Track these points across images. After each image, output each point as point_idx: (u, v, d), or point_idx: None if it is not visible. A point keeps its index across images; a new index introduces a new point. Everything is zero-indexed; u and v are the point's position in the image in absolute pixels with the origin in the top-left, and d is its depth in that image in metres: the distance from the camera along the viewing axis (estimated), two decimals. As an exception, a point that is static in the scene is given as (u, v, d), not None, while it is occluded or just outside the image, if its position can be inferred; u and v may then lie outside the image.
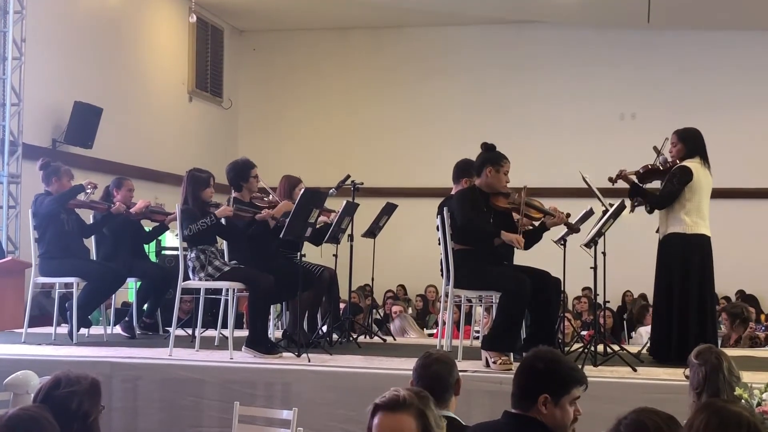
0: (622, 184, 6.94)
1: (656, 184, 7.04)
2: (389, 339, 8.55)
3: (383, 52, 15.96)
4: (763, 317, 12.50)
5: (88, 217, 8.26)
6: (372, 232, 8.36)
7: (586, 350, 6.39)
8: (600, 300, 7.00)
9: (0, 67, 10.40)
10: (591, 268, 6.53)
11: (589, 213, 7.10)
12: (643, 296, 12.66)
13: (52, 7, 11.41)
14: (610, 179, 6.90)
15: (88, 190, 7.73)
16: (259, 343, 6.68)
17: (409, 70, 15.79)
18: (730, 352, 7.50)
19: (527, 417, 3.23)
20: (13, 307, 8.78)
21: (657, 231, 6.94)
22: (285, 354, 6.69)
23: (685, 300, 6.62)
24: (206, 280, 6.84)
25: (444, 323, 7.10)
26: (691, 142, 6.83)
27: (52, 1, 11.39)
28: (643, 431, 2.73)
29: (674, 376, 6.01)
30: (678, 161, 6.81)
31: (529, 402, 3.24)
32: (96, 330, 8.27)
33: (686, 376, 4.26)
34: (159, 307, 8.41)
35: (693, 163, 6.75)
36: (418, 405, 2.69)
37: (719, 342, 7.52)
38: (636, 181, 6.92)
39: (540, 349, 3.40)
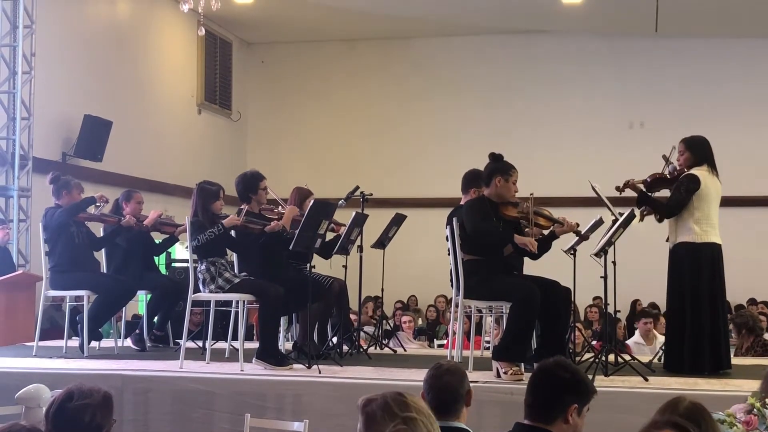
0: (631, 192, 6.92)
1: (664, 193, 7.03)
2: (399, 350, 8.55)
3: (390, 63, 15.99)
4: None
5: (98, 230, 8.28)
6: (381, 243, 8.37)
7: (597, 360, 6.37)
8: (611, 309, 6.98)
9: (10, 81, 10.46)
10: (601, 277, 6.52)
11: (599, 222, 7.08)
12: (653, 305, 12.62)
13: (62, 21, 11.48)
14: (618, 188, 6.88)
15: (99, 205, 7.75)
16: (269, 354, 6.68)
17: (417, 80, 15.82)
18: (742, 360, 7.53)
19: (539, 429, 3.21)
20: (24, 320, 8.80)
21: (667, 240, 6.92)
22: (295, 366, 6.69)
23: (698, 309, 6.58)
24: (216, 292, 6.85)
25: (454, 334, 7.09)
26: (698, 150, 6.80)
27: (61, 16, 11.46)
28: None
29: (686, 385, 5.99)
30: (686, 169, 6.79)
31: (557, 412, 3.20)
32: (107, 343, 8.28)
33: None
34: (169, 319, 8.42)
35: (700, 171, 6.72)
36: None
37: (732, 351, 7.48)
38: (644, 190, 6.90)
39: (559, 359, 3.37)
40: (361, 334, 8.47)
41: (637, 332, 9.74)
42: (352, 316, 8.99)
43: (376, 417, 2.63)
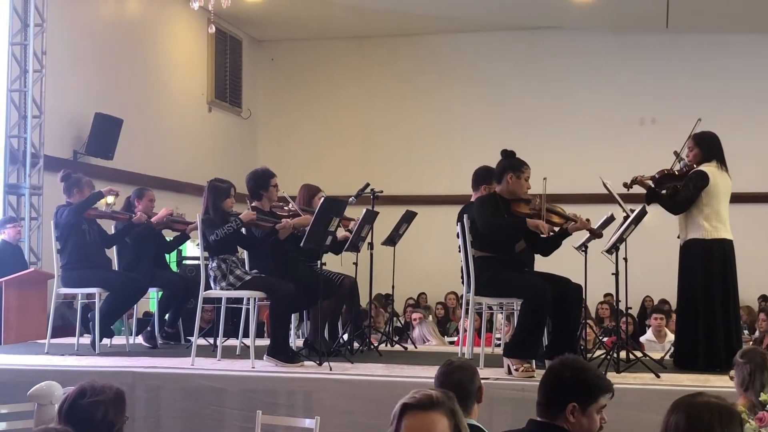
0: (640, 188, 6.90)
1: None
2: (410, 347, 8.55)
3: (400, 60, 15.98)
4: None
5: (109, 227, 8.30)
6: (392, 240, 8.37)
7: (608, 357, 6.36)
8: (622, 306, 6.96)
9: (21, 79, 10.49)
10: (612, 274, 6.51)
11: (610, 219, 7.07)
12: (663, 302, 12.58)
13: (73, 19, 11.51)
14: (625, 185, 6.87)
15: (110, 201, 7.76)
16: (280, 351, 6.69)
17: (427, 77, 15.81)
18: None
19: (553, 426, 3.21)
20: (36, 318, 8.83)
21: (678, 237, 6.90)
22: (306, 362, 6.69)
23: (710, 306, 6.56)
24: (227, 289, 6.85)
25: (465, 331, 7.08)
26: (707, 147, 6.78)
27: (72, 14, 11.49)
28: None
29: (697, 382, 5.98)
30: (695, 166, 6.77)
31: (557, 410, 3.22)
32: (118, 340, 8.31)
33: (731, 377, 4.21)
34: (180, 316, 8.43)
35: (710, 168, 6.69)
36: (449, 404, 2.64)
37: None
38: (652, 186, 6.88)
39: (566, 357, 3.38)
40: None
41: (649, 330, 9.72)
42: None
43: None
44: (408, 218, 8.33)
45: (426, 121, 15.71)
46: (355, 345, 7.66)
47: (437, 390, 2.70)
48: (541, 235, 6.30)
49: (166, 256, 8.77)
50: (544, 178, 6.37)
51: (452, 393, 2.76)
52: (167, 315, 8.41)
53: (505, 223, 6.37)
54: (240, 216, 6.89)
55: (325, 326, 7.47)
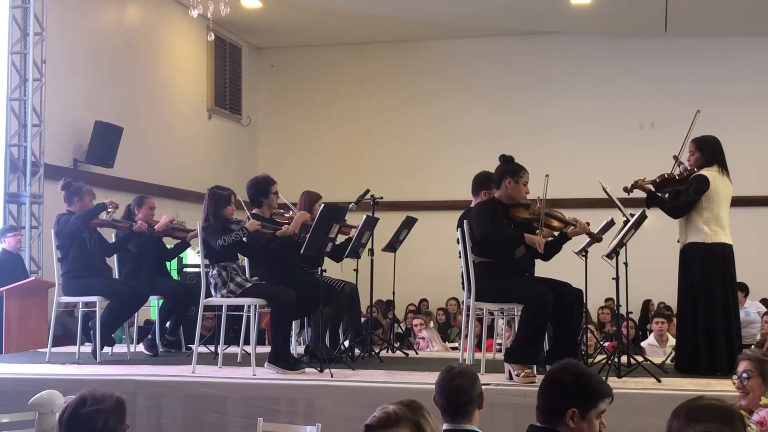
0: (640, 192, 6.91)
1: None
2: (411, 353, 8.55)
3: (400, 66, 15.98)
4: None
5: (110, 236, 8.31)
6: (392, 246, 8.37)
7: (609, 361, 6.35)
8: (623, 311, 6.95)
9: (21, 88, 10.50)
10: (613, 278, 6.50)
11: (611, 223, 7.07)
12: (664, 306, 12.56)
13: (72, 28, 11.52)
14: (626, 189, 6.88)
15: (110, 209, 7.78)
16: (281, 358, 6.69)
17: (427, 83, 15.81)
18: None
19: (551, 430, 3.21)
20: (36, 326, 8.83)
21: (678, 241, 6.90)
22: (307, 369, 6.70)
23: (710, 310, 6.57)
24: (228, 296, 6.86)
25: (466, 336, 7.08)
26: (708, 151, 6.79)
27: (71, 22, 11.51)
28: None
29: (699, 386, 5.97)
30: (696, 170, 6.77)
31: (557, 416, 3.21)
32: (119, 348, 8.31)
33: (735, 382, 4.18)
34: (181, 324, 8.43)
35: (710, 172, 6.70)
36: (411, 417, 2.63)
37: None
38: (652, 190, 6.89)
39: (566, 362, 3.37)
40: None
41: (651, 335, 9.72)
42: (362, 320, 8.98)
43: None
44: (408, 224, 8.33)
45: (426, 127, 15.71)
46: (356, 351, 7.66)
47: (399, 405, 2.68)
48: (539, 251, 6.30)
49: (167, 263, 8.77)
50: (546, 175, 6.34)
51: (419, 403, 2.75)
52: (168, 323, 8.41)
53: (503, 235, 6.36)
54: (246, 225, 6.89)
55: (326, 333, 7.46)
